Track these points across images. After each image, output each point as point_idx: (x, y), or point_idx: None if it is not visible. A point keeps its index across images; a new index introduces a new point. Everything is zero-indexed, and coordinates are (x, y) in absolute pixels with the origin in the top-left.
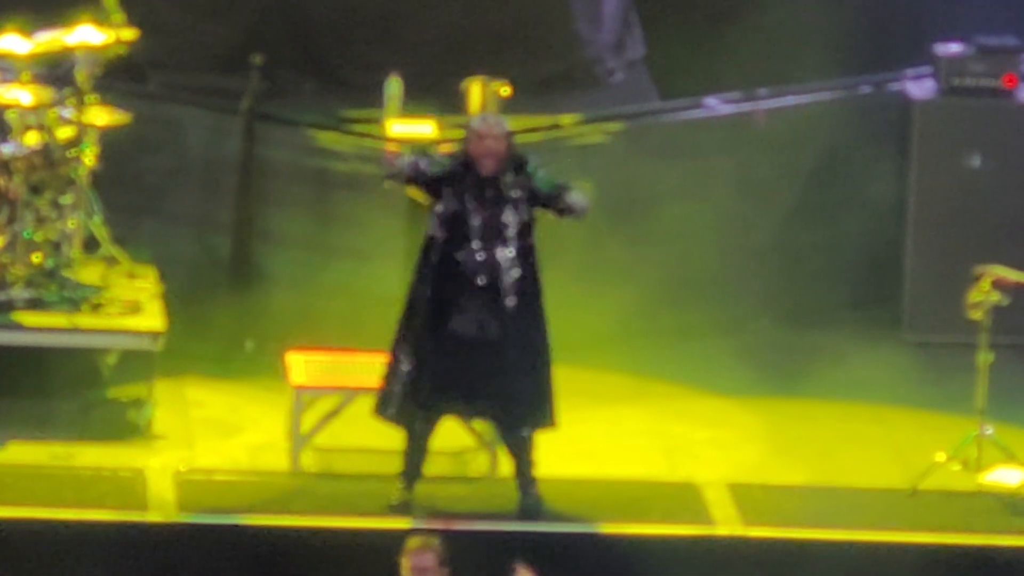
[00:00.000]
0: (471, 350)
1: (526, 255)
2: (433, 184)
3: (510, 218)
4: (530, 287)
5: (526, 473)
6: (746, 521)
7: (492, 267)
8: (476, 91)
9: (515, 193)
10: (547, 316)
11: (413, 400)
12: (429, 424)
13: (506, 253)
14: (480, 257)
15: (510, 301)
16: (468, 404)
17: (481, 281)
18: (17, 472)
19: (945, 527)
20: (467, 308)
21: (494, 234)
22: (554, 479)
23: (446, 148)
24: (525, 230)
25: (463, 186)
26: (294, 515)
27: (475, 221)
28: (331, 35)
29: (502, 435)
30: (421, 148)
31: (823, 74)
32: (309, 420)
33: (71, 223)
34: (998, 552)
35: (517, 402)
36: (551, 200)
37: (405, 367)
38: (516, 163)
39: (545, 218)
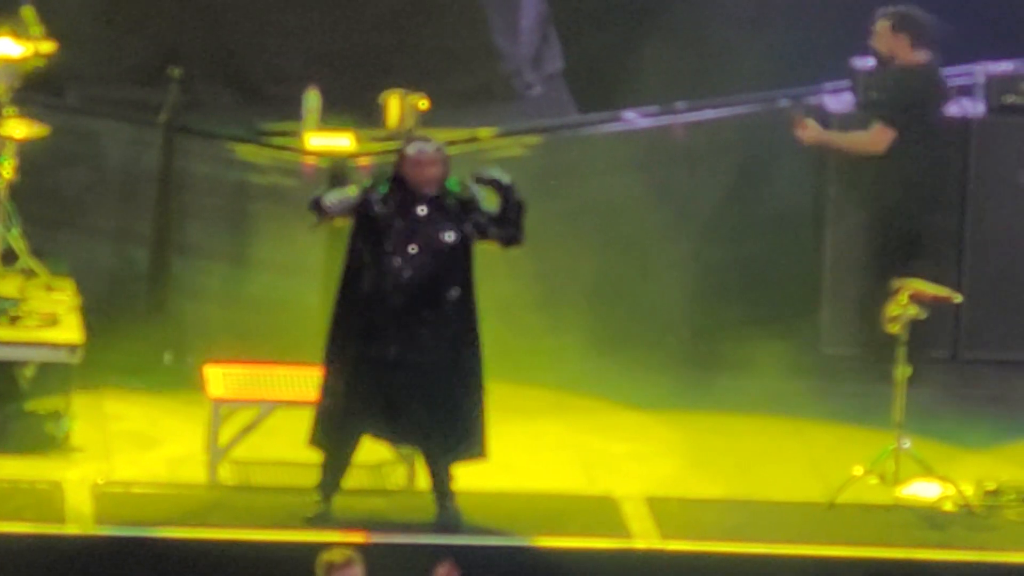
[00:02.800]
0: (397, 372)
1: (461, 273)
2: (360, 205)
3: (444, 236)
4: (464, 307)
5: (444, 486)
6: (664, 535)
7: (423, 286)
8: (394, 104)
9: (452, 213)
10: (481, 340)
11: (335, 420)
12: (352, 441)
13: (440, 271)
14: (408, 275)
15: (442, 321)
16: (391, 429)
17: (411, 300)
18: None
19: (863, 540)
20: (396, 328)
21: (427, 252)
22: (473, 492)
23: (364, 162)
24: (460, 248)
25: (392, 206)
26: (212, 527)
27: (405, 240)
28: (249, 48)
29: (428, 461)
30: (339, 162)
31: (741, 88)
32: (227, 433)
33: None
34: (915, 566)
35: (444, 432)
36: (499, 220)
37: (331, 391)
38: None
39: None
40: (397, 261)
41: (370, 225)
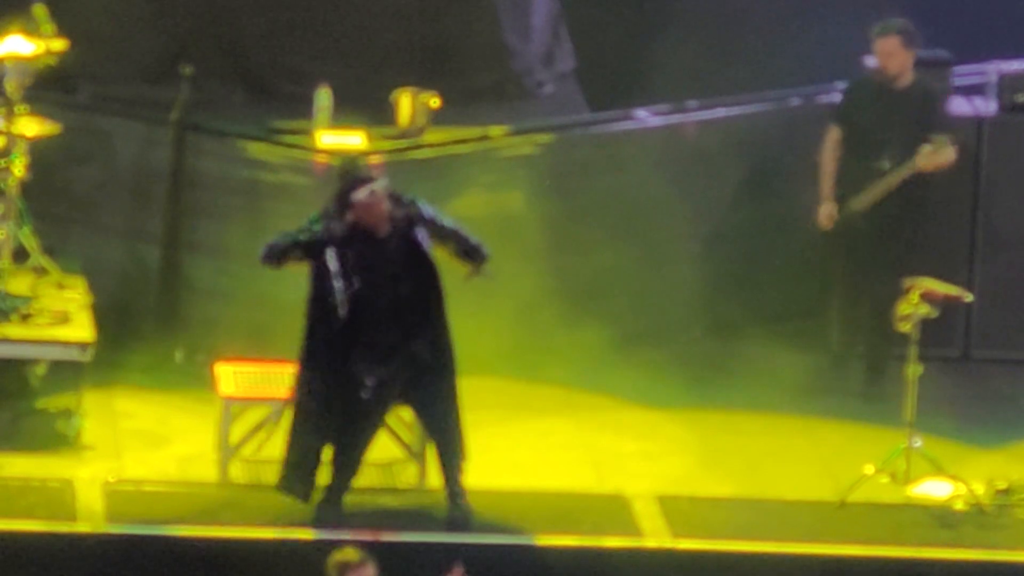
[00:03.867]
0: (381, 371)
1: (427, 291)
2: (314, 246)
3: (404, 259)
4: (436, 324)
5: (455, 484)
6: (675, 533)
7: (394, 307)
8: (406, 103)
9: (406, 233)
10: (455, 353)
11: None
12: (365, 439)
13: (407, 295)
14: (378, 300)
15: (416, 347)
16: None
17: (387, 322)
18: None
19: (874, 539)
20: (372, 354)
21: (392, 280)
22: (483, 490)
23: (375, 160)
24: (422, 266)
25: (349, 248)
26: (223, 526)
27: (370, 273)
28: (261, 46)
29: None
30: (350, 160)
31: (753, 86)
32: (238, 431)
33: (0, 233)
34: (926, 565)
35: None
36: (453, 239)
37: (307, 427)
38: (401, 205)
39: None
40: (365, 290)
41: (328, 265)
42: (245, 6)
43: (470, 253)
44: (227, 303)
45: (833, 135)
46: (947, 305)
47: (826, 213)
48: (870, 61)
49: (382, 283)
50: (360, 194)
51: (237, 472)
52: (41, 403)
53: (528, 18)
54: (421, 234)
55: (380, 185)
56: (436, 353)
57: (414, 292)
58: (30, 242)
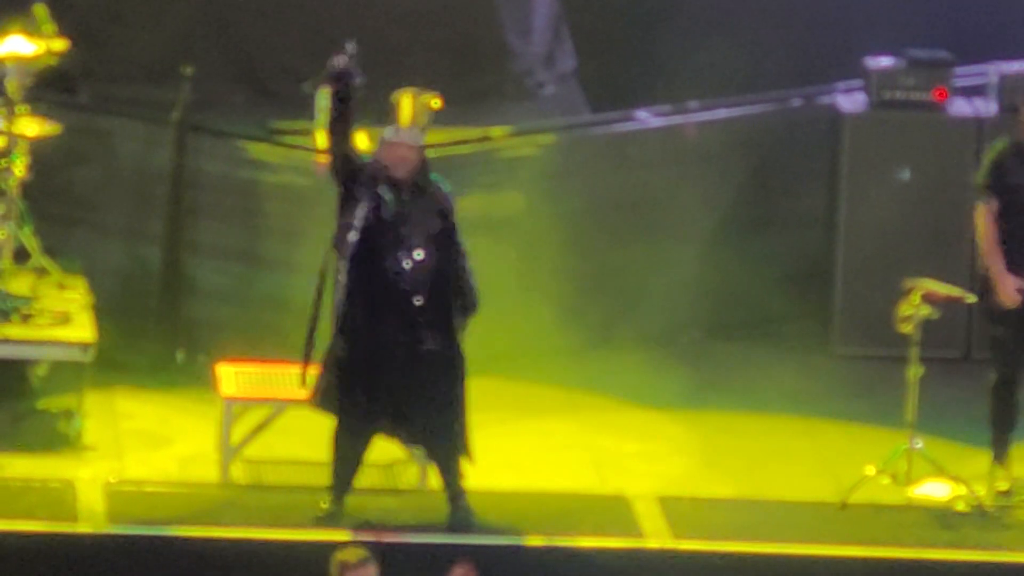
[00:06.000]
0: (397, 367)
1: (445, 267)
2: (352, 166)
3: (426, 227)
4: (447, 302)
5: (455, 485)
6: (676, 534)
7: (409, 278)
8: (407, 103)
9: (432, 206)
10: (463, 341)
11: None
12: (364, 441)
13: (422, 263)
14: (397, 267)
15: (436, 313)
16: (400, 430)
17: (399, 292)
18: None
19: (875, 541)
20: (385, 321)
21: (411, 243)
22: (484, 491)
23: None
24: (445, 242)
25: (378, 190)
26: (224, 527)
27: (392, 228)
28: (262, 46)
29: (435, 461)
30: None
31: (754, 87)
32: (239, 431)
33: (1, 234)
34: (927, 566)
35: (443, 430)
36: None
37: (339, 363)
38: (428, 180)
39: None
40: (391, 254)
41: (367, 221)
42: (245, 6)
43: (458, 294)
44: (228, 303)
45: (992, 207)
46: (949, 306)
47: (1011, 289)
48: (871, 62)
49: (388, 237)
50: (387, 131)
51: (238, 473)
52: (42, 403)
53: (529, 19)
54: (437, 207)
55: (408, 133)
56: (434, 344)
57: (433, 264)
58: (31, 242)
